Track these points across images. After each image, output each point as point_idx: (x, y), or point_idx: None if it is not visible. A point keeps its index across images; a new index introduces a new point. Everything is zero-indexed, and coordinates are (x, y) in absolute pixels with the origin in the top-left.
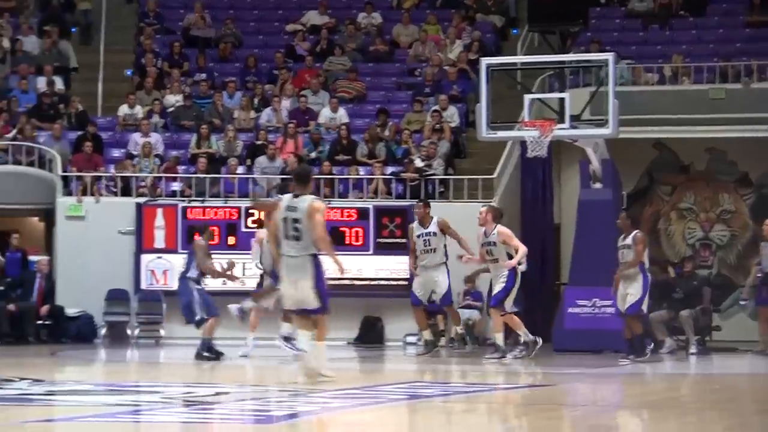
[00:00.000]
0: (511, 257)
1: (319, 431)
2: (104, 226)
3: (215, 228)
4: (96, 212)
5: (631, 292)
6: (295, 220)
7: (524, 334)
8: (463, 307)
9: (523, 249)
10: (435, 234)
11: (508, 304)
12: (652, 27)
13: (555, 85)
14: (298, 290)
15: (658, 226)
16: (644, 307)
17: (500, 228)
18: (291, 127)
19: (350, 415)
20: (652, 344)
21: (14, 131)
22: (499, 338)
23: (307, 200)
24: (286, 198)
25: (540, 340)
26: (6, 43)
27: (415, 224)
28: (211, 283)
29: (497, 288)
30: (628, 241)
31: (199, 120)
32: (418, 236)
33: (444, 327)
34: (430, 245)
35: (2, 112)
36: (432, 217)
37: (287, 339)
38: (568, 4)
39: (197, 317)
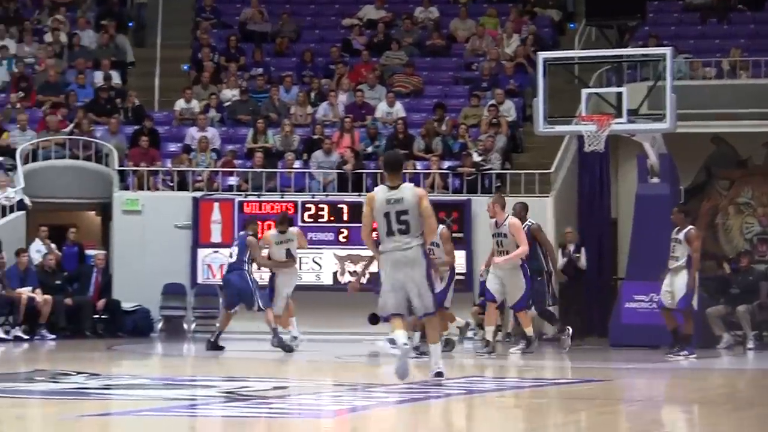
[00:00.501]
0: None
1: (376, 426)
2: (161, 220)
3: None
4: (152, 206)
5: (679, 286)
6: (402, 212)
7: (529, 331)
8: None
9: (524, 248)
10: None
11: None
12: (710, 21)
13: (612, 80)
14: (413, 292)
15: (716, 221)
16: (694, 303)
17: (512, 219)
18: (347, 122)
19: (407, 409)
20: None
21: (71, 126)
22: (529, 331)
23: (410, 188)
24: (382, 191)
25: (536, 341)
26: (63, 38)
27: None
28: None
29: (517, 294)
30: (680, 235)
31: (255, 114)
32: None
33: (500, 322)
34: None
35: (60, 107)
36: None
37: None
38: None
39: (255, 306)
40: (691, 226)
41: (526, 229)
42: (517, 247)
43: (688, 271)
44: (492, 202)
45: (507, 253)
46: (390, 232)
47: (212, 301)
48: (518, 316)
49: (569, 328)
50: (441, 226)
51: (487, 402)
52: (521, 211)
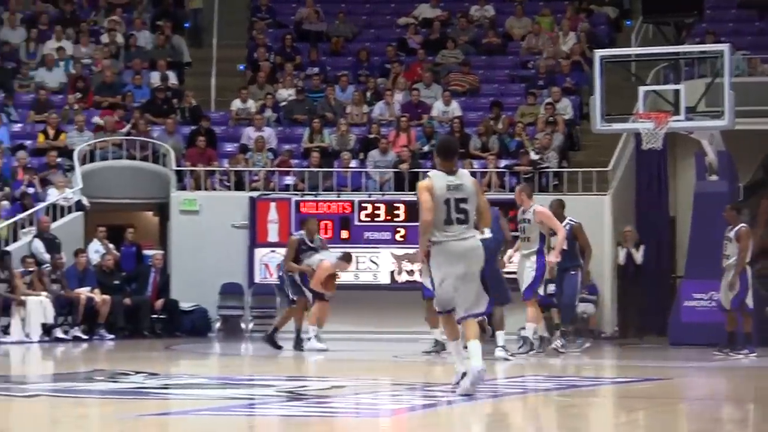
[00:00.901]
0: (543, 238)
1: (434, 426)
2: (218, 219)
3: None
4: (210, 206)
5: (731, 287)
6: (461, 200)
7: (533, 330)
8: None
9: (562, 233)
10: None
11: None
12: None
13: (670, 77)
14: (468, 288)
15: None
16: (749, 302)
17: (538, 207)
18: (404, 121)
19: (465, 409)
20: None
21: (128, 126)
22: (529, 329)
23: (467, 175)
24: (440, 176)
25: (536, 345)
26: (120, 39)
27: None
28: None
29: (527, 278)
30: (731, 233)
31: (311, 114)
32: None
33: (559, 321)
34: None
35: (117, 108)
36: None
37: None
38: None
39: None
40: (742, 224)
41: (567, 227)
42: (541, 234)
43: (742, 269)
44: (519, 190)
45: (529, 240)
46: (448, 221)
47: (269, 301)
48: (527, 307)
49: (574, 337)
50: None
51: (546, 401)
52: (557, 208)
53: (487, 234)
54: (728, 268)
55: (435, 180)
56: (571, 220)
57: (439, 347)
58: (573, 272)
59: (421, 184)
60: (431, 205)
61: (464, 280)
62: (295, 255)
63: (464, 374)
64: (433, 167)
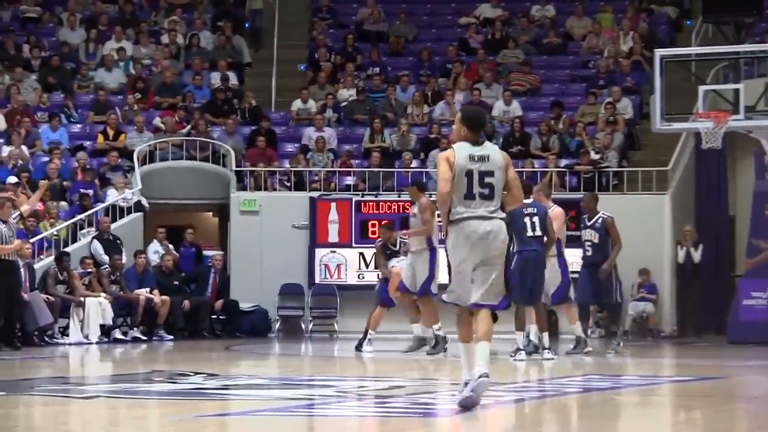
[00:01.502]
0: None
1: (493, 425)
2: (278, 220)
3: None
4: (270, 207)
5: None
6: (487, 173)
7: (536, 334)
8: (637, 300)
9: (551, 237)
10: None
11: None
12: None
13: (730, 76)
14: (486, 276)
15: None
16: None
17: (554, 210)
18: None
19: (522, 407)
20: None
21: (188, 127)
22: (577, 330)
23: (496, 147)
24: (464, 146)
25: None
26: (180, 39)
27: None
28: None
29: (551, 288)
30: None
31: (372, 114)
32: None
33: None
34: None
35: (177, 108)
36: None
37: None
38: None
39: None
40: None
41: (600, 221)
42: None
43: None
44: (536, 189)
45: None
46: (470, 195)
47: (330, 301)
48: (563, 312)
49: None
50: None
51: (604, 400)
52: (590, 202)
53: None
54: None
55: (458, 150)
56: (603, 214)
57: (416, 344)
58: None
59: (442, 153)
60: (449, 176)
61: (483, 267)
62: (385, 259)
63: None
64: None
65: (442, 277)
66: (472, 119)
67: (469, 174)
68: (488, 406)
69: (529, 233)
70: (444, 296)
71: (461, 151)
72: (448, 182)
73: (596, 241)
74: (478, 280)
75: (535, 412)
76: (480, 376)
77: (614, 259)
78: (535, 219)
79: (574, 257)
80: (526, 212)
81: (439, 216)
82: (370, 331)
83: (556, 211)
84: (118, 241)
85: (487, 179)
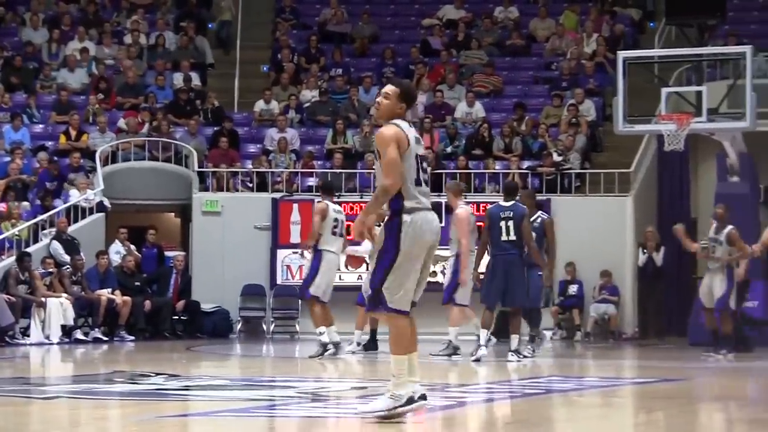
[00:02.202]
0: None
1: (456, 426)
2: (240, 221)
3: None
4: (232, 208)
5: (717, 286)
6: (423, 158)
7: (454, 336)
8: (598, 302)
9: (464, 241)
10: None
11: (458, 295)
12: None
13: (692, 79)
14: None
15: None
16: (732, 303)
17: (458, 211)
18: (427, 122)
19: (486, 409)
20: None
21: (146, 126)
22: (452, 333)
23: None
24: (406, 126)
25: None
26: (143, 40)
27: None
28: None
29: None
30: (721, 236)
31: (335, 115)
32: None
33: (580, 322)
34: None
35: (140, 109)
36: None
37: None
38: None
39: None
40: (731, 226)
41: (539, 221)
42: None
43: (727, 271)
44: (447, 188)
45: (450, 241)
46: (418, 181)
47: (291, 303)
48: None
49: (540, 338)
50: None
51: (567, 401)
52: (526, 199)
53: None
54: (717, 270)
55: (404, 129)
56: (542, 215)
57: (320, 348)
58: (540, 272)
59: (388, 134)
60: (398, 160)
61: (425, 267)
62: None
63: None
64: (457, 168)
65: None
66: (411, 95)
67: (416, 158)
68: (449, 407)
69: (503, 237)
70: (392, 304)
71: (408, 132)
72: (399, 166)
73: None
74: (420, 282)
75: (497, 414)
76: (421, 396)
77: (554, 264)
78: (510, 223)
79: None
80: (503, 216)
81: None
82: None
83: (460, 213)
84: (75, 242)
85: (425, 164)
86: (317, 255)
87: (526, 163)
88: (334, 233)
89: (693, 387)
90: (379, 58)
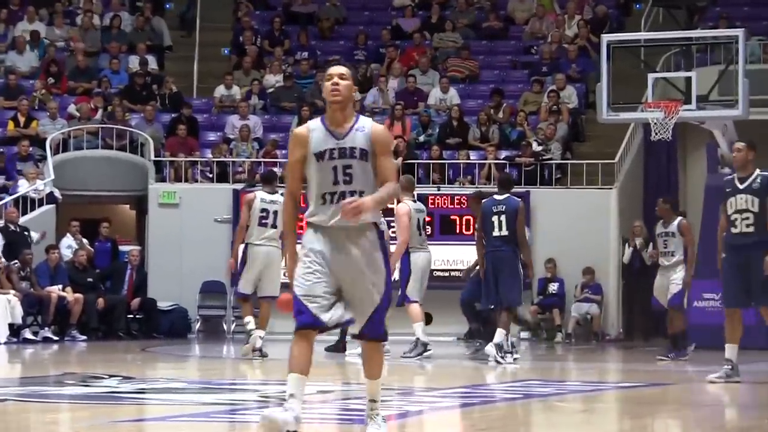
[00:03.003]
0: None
1: None
2: (199, 214)
3: None
4: (190, 199)
5: (673, 283)
6: (347, 166)
7: (421, 333)
8: (581, 301)
9: (400, 239)
10: None
11: (411, 292)
12: None
13: (681, 64)
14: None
15: None
16: (686, 301)
17: (399, 206)
18: (398, 109)
19: (461, 414)
20: (693, 345)
21: (100, 112)
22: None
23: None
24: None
25: (430, 347)
26: (96, 21)
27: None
28: None
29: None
30: (672, 228)
31: (300, 101)
32: None
33: (560, 322)
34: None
35: (93, 94)
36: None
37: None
38: None
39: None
40: (681, 217)
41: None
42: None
43: (685, 266)
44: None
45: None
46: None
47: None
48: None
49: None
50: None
51: (547, 407)
52: (473, 201)
53: None
54: (674, 265)
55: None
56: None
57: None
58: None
59: (295, 134)
60: (300, 166)
61: (349, 277)
62: None
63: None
64: (430, 158)
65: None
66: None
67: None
68: (423, 412)
69: (495, 232)
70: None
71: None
72: (298, 181)
73: None
74: (341, 307)
75: (472, 420)
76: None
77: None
78: (503, 217)
79: None
80: (495, 210)
81: None
82: None
83: (400, 208)
84: (26, 233)
85: (349, 170)
86: (244, 249)
87: (503, 153)
88: (262, 224)
89: (681, 391)
90: (348, 40)
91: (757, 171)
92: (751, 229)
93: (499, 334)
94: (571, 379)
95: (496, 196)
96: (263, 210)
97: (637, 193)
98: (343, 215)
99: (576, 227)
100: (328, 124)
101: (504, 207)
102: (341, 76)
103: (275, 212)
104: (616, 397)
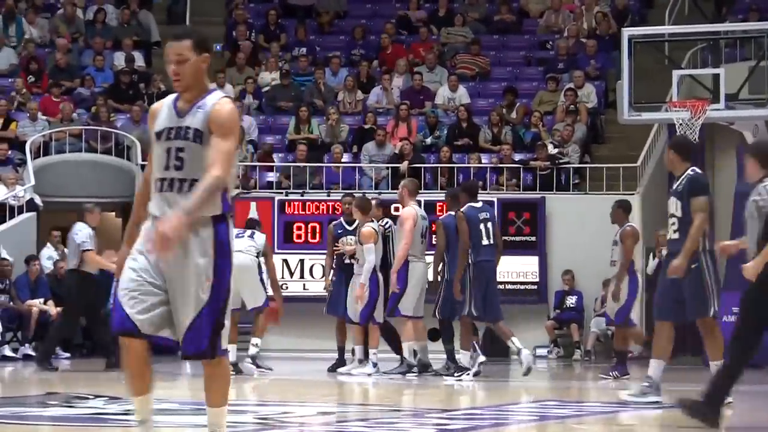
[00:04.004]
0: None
1: None
2: None
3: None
4: None
5: (620, 296)
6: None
7: (408, 353)
8: (600, 315)
9: (402, 242)
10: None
11: (404, 306)
12: None
13: (708, 60)
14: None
15: None
16: (633, 316)
17: (405, 210)
18: (403, 109)
19: None
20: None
21: (81, 113)
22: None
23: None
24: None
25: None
26: (79, 15)
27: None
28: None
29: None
30: (617, 236)
31: (298, 101)
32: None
33: (579, 338)
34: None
35: (75, 94)
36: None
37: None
38: None
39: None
40: (628, 224)
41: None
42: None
43: (630, 277)
44: (402, 185)
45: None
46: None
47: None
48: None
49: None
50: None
51: (565, 430)
52: (450, 202)
53: None
54: (615, 278)
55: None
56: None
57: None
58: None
59: (235, 113)
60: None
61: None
62: None
63: None
64: (437, 162)
65: None
66: (208, 40)
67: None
68: None
69: (485, 241)
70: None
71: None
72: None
73: None
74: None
75: None
76: None
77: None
78: (489, 225)
79: (529, 265)
80: (481, 218)
81: None
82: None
83: (406, 212)
84: None
85: (181, 154)
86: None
87: (517, 156)
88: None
89: None
90: (349, 35)
91: (689, 171)
92: (676, 235)
93: (515, 342)
94: (590, 400)
95: (473, 204)
96: None
97: (662, 199)
98: (153, 251)
99: (595, 236)
100: (176, 100)
101: (488, 214)
102: (179, 59)
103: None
104: (639, 419)
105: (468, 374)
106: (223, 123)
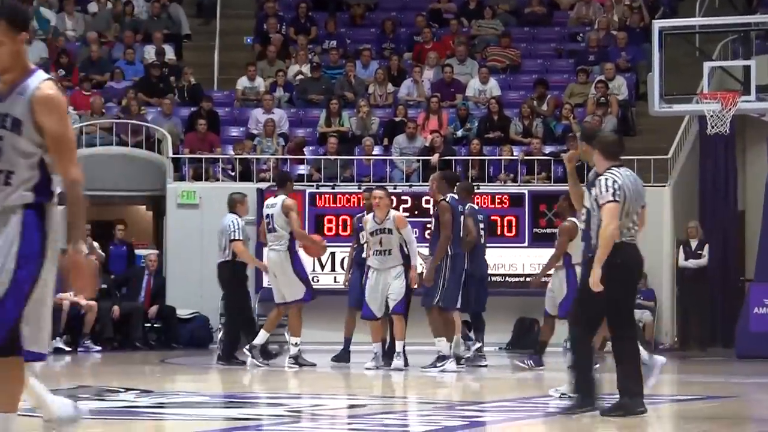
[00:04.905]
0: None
1: None
2: (221, 215)
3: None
4: (211, 199)
5: (553, 290)
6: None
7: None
8: None
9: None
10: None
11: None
12: None
13: (739, 51)
14: None
15: None
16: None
17: (441, 203)
18: (434, 102)
19: (503, 429)
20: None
21: (117, 109)
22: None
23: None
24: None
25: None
26: (109, 8)
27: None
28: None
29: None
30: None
31: (328, 94)
32: None
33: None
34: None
35: (106, 87)
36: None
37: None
38: None
39: None
40: (570, 218)
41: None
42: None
43: (567, 271)
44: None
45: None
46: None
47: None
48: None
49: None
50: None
51: (596, 421)
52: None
53: None
54: (560, 268)
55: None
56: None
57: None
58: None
59: (60, 95)
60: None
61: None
62: None
63: None
64: (468, 154)
65: None
66: (25, 16)
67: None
68: (460, 427)
69: (483, 241)
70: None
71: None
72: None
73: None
74: None
75: None
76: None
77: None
78: (481, 225)
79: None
80: (461, 210)
81: None
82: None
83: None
84: None
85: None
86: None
87: (548, 149)
88: (268, 229)
89: (741, 405)
90: (379, 28)
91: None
92: (583, 225)
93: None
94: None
95: (453, 195)
96: (267, 216)
97: (693, 191)
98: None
99: None
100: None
101: (467, 209)
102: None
103: (272, 216)
104: (669, 411)
105: (451, 361)
106: (50, 106)
